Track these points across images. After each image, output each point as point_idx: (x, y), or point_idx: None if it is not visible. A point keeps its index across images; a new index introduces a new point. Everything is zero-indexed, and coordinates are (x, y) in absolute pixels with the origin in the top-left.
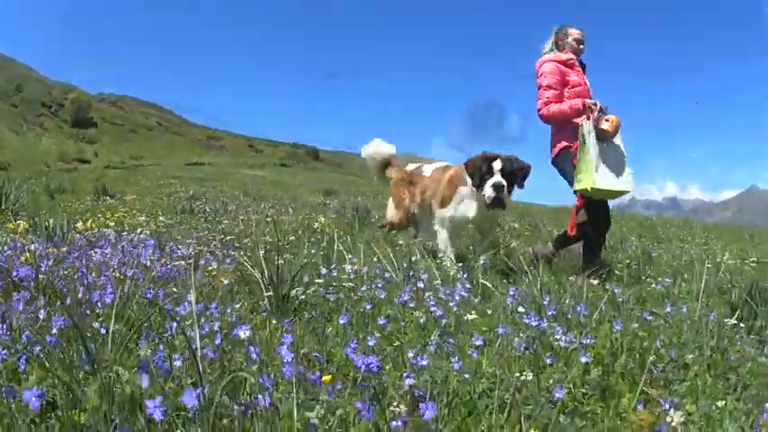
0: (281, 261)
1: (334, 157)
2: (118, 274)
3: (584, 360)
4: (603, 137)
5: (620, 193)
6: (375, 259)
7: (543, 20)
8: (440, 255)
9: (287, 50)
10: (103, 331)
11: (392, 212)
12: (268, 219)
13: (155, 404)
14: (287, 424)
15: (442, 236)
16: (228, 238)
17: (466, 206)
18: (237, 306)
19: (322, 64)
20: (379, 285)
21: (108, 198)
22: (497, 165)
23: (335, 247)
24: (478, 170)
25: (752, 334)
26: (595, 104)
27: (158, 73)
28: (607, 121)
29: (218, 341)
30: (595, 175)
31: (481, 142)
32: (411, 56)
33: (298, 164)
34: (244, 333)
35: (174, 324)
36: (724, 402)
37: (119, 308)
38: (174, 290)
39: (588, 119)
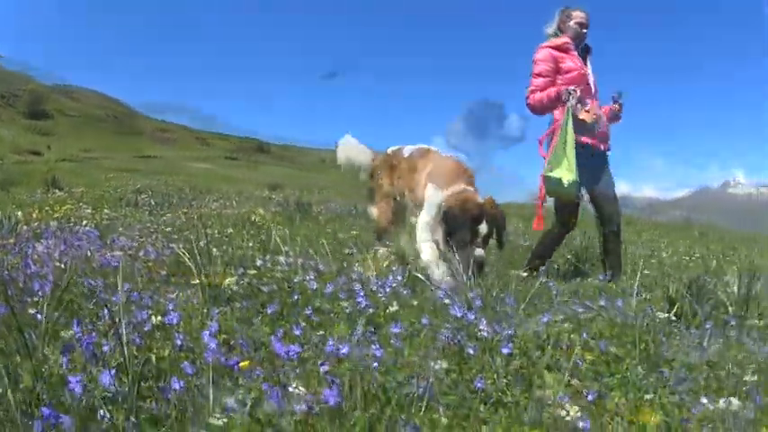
0: (216, 252)
1: (283, 151)
2: (60, 265)
3: (505, 351)
4: (582, 127)
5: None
6: (311, 251)
7: (543, 20)
8: (424, 266)
9: (284, 50)
10: (40, 318)
11: (375, 211)
12: (212, 212)
13: (76, 380)
14: (206, 407)
15: (426, 244)
16: (169, 230)
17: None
18: (173, 296)
19: (320, 64)
20: (311, 277)
21: (57, 191)
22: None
23: (273, 239)
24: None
25: (690, 328)
26: (574, 91)
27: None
28: (587, 112)
29: (147, 328)
30: (571, 169)
31: (480, 141)
32: (410, 56)
33: (245, 157)
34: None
35: (106, 311)
36: (655, 395)
37: (57, 296)
38: (113, 280)
39: (564, 107)
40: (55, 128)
